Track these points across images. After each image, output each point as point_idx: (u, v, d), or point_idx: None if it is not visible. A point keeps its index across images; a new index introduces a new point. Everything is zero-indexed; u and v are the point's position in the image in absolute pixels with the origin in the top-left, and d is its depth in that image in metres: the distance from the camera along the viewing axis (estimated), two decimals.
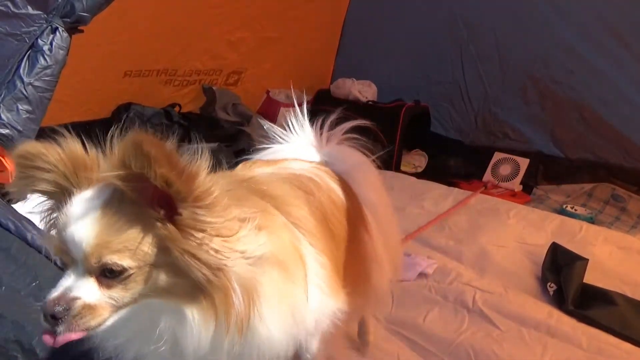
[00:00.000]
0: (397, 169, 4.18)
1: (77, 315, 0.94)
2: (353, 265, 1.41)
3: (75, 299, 0.94)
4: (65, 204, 0.99)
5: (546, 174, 4.02)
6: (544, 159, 4.05)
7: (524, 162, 4.02)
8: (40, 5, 1.90)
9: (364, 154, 1.74)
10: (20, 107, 1.86)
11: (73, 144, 1.02)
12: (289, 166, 1.44)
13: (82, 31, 2.00)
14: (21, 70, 1.86)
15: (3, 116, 1.84)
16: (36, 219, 1.86)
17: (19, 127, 1.87)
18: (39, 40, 1.88)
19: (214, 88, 4.07)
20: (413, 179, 3.83)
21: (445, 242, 2.85)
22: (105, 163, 1.00)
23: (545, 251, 2.60)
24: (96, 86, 3.39)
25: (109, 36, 3.19)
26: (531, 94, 4.10)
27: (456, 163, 4.27)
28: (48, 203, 1.08)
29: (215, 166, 1.04)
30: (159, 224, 0.95)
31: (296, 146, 1.68)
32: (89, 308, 0.95)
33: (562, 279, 2.36)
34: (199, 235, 0.95)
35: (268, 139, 1.70)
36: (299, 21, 4.41)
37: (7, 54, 1.88)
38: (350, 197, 1.50)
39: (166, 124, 3.63)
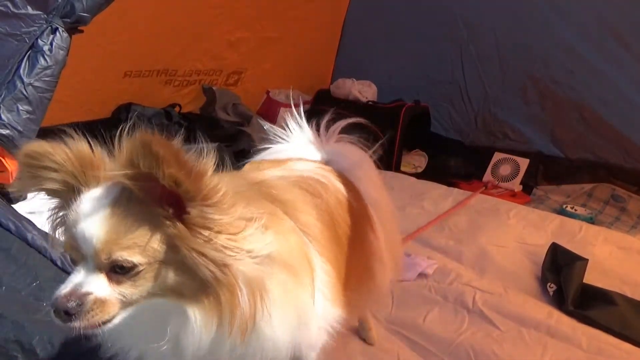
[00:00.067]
0: (397, 169, 4.18)
1: (89, 311, 0.95)
2: (358, 264, 1.42)
3: (87, 294, 0.96)
4: (74, 201, 1.00)
5: (546, 174, 4.02)
6: (544, 159, 4.05)
7: (524, 163, 4.02)
8: (40, 5, 1.90)
9: (364, 150, 1.75)
10: (20, 107, 1.86)
11: (80, 143, 1.03)
12: (295, 167, 1.44)
13: (82, 31, 2.00)
14: (21, 71, 1.86)
15: (3, 116, 1.84)
16: (37, 219, 1.87)
17: (19, 128, 1.87)
18: (39, 41, 1.88)
19: (214, 88, 4.07)
20: (413, 179, 3.83)
21: (445, 242, 2.85)
22: (113, 162, 1.01)
23: (545, 251, 2.60)
24: (96, 86, 3.40)
25: (109, 36, 3.19)
26: (531, 94, 4.10)
27: (456, 163, 4.27)
28: (54, 202, 1.09)
29: (220, 165, 1.04)
30: (167, 222, 0.96)
31: (296, 145, 1.69)
32: (101, 303, 0.96)
33: (562, 279, 2.36)
34: (207, 233, 0.96)
35: (269, 139, 1.71)
36: (299, 21, 4.41)
37: (7, 54, 1.88)
38: (356, 196, 1.51)
39: (166, 124, 3.63)
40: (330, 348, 1.26)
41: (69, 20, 1.91)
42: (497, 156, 4.13)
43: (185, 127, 3.64)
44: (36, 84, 1.88)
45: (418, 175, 4.06)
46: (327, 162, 1.62)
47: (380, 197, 1.70)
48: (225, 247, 0.97)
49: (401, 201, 3.18)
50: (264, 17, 4.16)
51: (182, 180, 0.92)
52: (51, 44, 1.89)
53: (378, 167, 1.79)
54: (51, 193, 1.06)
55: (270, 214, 1.11)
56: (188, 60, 3.90)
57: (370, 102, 4.51)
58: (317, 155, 1.66)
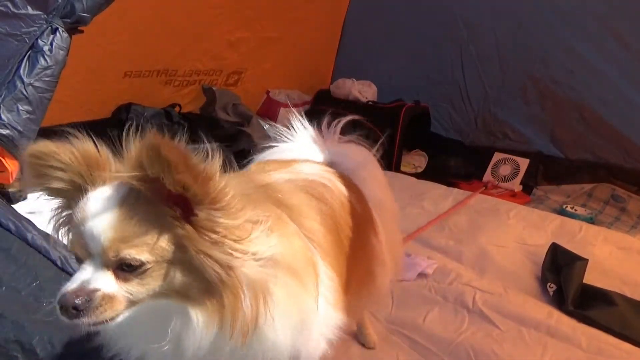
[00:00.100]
0: (397, 169, 4.18)
1: (98, 307, 0.95)
2: (359, 267, 1.42)
3: (95, 290, 0.96)
4: (81, 200, 1.00)
5: (546, 174, 4.02)
6: (544, 159, 4.05)
7: (524, 163, 4.02)
8: (40, 5, 1.90)
9: (368, 150, 1.75)
10: (20, 107, 1.86)
11: (85, 143, 1.04)
12: (301, 170, 1.44)
13: (82, 31, 2.00)
14: (21, 71, 1.86)
15: (3, 117, 1.84)
16: (37, 219, 1.87)
17: (19, 128, 1.87)
18: (39, 41, 1.88)
19: (214, 88, 4.07)
20: (413, 179, 3.83)
21: (445, 242, 2.85)
22: (121, 162, 1.01)
23: (545, 251, 2.60)
24: (96, 86, 3.40)
25: (109, 37, 3.19)
26: (531, 94, 4.10)
27: (456, 163, 4.27)
28: (58, 201, 1.09)
29: (223, 166, 1.04)
30: (176, 223, 0.97)
31: (300, 145, 1.70)
32: (109, 299, 0.96)
33: (562, 279, 2.36)
34: (214, 236, 0.96)
35: (273, 137, 1.72)
36: (299, 21, 4.41)
37: (7, 55, 1.88)
38: (359, 198, 1.52)
39: (166, 124, 3.63)
40: (330, 355, 1.25)
41: (69, 20, 1.91)
42: (497, 156, 4.13)
43: (186, 127, 3.65)
44: (36, 84, 1.88)
45: (418, 175, 4.06)
46: (331, 163, 1.62)
47: (384, 198, 1.70)
48: (232, 250, 0.98)
49: (401, 201, 3.18)
50: (264, 17, 4.16)
51: (190, 185, 0.93)
52: (51, 44, 1.89)
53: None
54: (56, 193, 1.07)
55: (276, 218, 1.11)
56: (188, 61, 3.90)
57: (370, 102, 4.51)
58: (321, 155, 1.66)
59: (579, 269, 2.38)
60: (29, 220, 1.75)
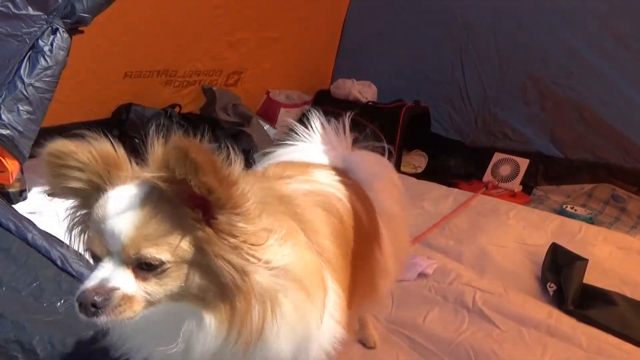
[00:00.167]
0: (397, 169, 4.17)
1: (117, 306, 0.95)
2: (363, 280, 1.43)
3: (115, 289, 0.96)
4: (99, 199, 1.01)
5: (546, 175, 4.02)
6: (544, 159, 4.05)
7: (523, 163, 4.02)
8: (41, 6, 1.90)
9: (386, 159, 1.77)
10: (20, 107, 1.87)
11: (103, 143, 1.04)
12: (317, 179, 1.44)
13: (82, 32, 2.00)
14: (22, 71, 1.86)
15: (4, 117, 1.84)
16: (37, 219, 1.87)
17: (19, 128, 1.87)
18: (40, 41, 1.88)
19: (214, 88, 4.07)
20: (413, 179, 3.83)
21: (445, 242, 2.86)
22: (146, 162, 1.01)
23: (545, 251, 2.60)
24: (96, 87, 3.40)
25: (109, 37, 3.19)
26: (531, 95, 4.10)
27: (456, 163, 4.27)
28: (74, 201, 1.10)
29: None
30: (197, 225, 0.97)
31: (317, 147, 1.70)
32: (127, 299, 0.96)
33: (562, 279, 2.37)
34: (232, 240, 0.97)
35: (290, 135, 1.73)
36: (299, 21, 4.41)
37: (7, 55, 1.89)
38: (369, 211, 1.52)
39: (166, 125, 3.63)
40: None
41: (69, 20, 1.91)
42: (497, 156, 4.13)
43: (186, 127, 3.66)
44: (37, 84, 1.88)
45: (418, 176, 4.06)
46: (345, 170, 1.62)
47: (396, 211, 1.70)
48: (248, 256, 0.98)
49: None
50: (264, 17, 4.16)
51: (215, 188, 0.93)
52: (52, 44, 1.89)
53: None
54: (72, 192, 1.07)
55: (290, 229, 1.12)
56: (188, 61, 3.90)
57: (370, 103, 4.51)
58: (336, 160, 1.67)
59: (579, 269, 2.38)
60: (29, 220, 1.75)
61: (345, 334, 1.24)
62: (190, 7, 3.62)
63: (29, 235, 1.66)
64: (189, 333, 1.03)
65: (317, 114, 1.73)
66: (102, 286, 0.95)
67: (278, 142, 1.77)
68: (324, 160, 1.65)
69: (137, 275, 0.97)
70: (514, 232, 3.01)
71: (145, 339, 1.09)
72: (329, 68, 4.99)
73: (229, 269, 0.97)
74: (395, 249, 1.63)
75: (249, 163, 1.66)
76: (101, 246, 0.98)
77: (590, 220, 3.37)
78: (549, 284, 2.41)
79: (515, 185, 3.98)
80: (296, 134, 1.73)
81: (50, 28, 1.90)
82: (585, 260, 2.42)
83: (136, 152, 1.08)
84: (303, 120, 1.78)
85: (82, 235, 1.11)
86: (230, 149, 1.03)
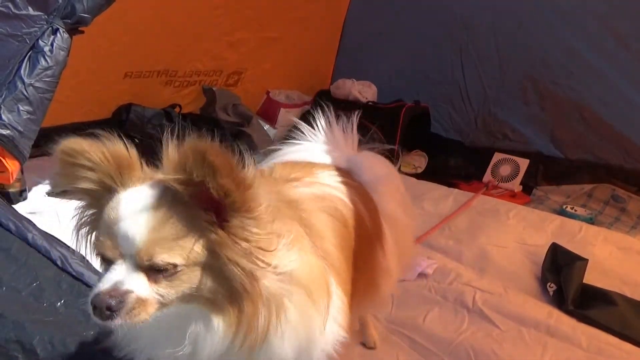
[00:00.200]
0: (397, 169, 4.17)
1: (132, 309, 0.95)
2: (365, 282, 1.44)
3: (129, 292, 0.95)
4: (110, 201, 1.00)
5: (546, 175, 4.02)
6: (544, 159, 4.05)
7: (523, 163, 4.01)
8: (41, 6, 1.90)
9: (390, 162, 1.78)
10: (21, 107, 1.87)
11: (116, 143, 1.03)
12: (322, 180, 1.45)
13: (82, 32, 2.01)
14: (22, 71, 1.86)
15: (4, 117, 1.85)
16: (37, 219, 1.87)
17: (19, 128, 1.88)
18: (40, 41, 1.89)
19: (214, 88, 4.07)
20: (413, 179, 3.83)
21: (445, 242, 2.86)
22: (162, 164, 1.00)
23: (545, 251, 2.60)
24: (97, 87, 3.40)
25: (110, 37, 3.19)
26: (531, 95, 4.10)
27: (456, 164, 4.27)
28: (82, 201, 1.09)
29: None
30: (210, 228, 0.97)
31: (322, 147, 1.71)
32: (141, 302, 0.96)
33: (562, 279, 2.37)
34: (244, 244, 0.97)
35: (296, 133, 1.73)
36: (299, 22, 4.41)
37: (8, 55, 1.89)
38: (372, 212, 1.53)
39: (166, 125, 3.63)
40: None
41: (69, 21, 1.92)
42: (497, 156, 4.13)
43: (186, 127, 3.66)
44: (37, 84, 1.88)
45: (418, 176, 4.06)
46: (349, 170, 1.63)
47: (401, 214, 1.71)
48: (258, 260, 0.98)
49: None
50: (264, 17, 4.16)
51: (232, 191, 0.93)
52: (52, 44, 1.89)
53: None
54: (82, 192, 1.06)
55: (297, 235, 1.12)
56: (188, 61, 3.91)
57: (370, 103, 4.51)
58: (340, 161, 1.67)
59: (579, 269, 2.38)
60: (29, 221, 1.75)
61: (347, 336, 1.25)
62: (190, 7, 3.63)
63: (29, 236, 1.66)
64: (196, 335, 1.03)
65: (327, 110, 1.73)
66: (116, 289, 0.95)
67: (283, 140, 1.77)
68: (328, 160, 1.65)
69: (149, 278, 0.97)
70: (514, 232, 3.01)
71: (151, 340, 1.08)
72: (329, 68, 4.99)
73: (239, 272, 0.97)
74: (398, 250, 1.64)
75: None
76: (114, 249, 0.98)
77: (590, 221, 3.37)
78: (549, 284, 2.41)
79: (515, 185, 3.97)
80: (301, 132, 1.73)
81: (50, 28, 1.90)
82: (585, 261, 2.42)
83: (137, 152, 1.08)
84: (308, 118, 1.78)
85: (89, 235, 1.10)
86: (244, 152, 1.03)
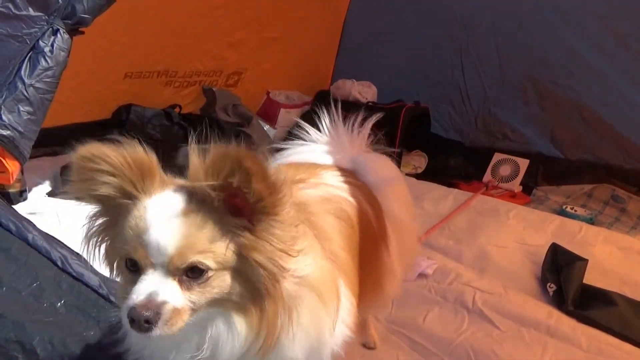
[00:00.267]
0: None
1: (168, 320, 0.95)
2: (371, 281, 1.45)
3: (164, 303, 0.95)
4: (134, 208, 0.99)
5: (546, 175, 4.02)
6: (544, 159, 4.05)
7: (523, 163, 4.02)
8: (41, 6, 1.90)
9: (394, 164, 1.79)
10: (21, 108, 1.87)
11: (137, 148, 1.02)
12: (327, 181, 1.45)
13: (83, 33, 2.01)
14: (22, 72, 1.87)
15: (4, 117, 1.85)
16: (37, 220, 1.87)
17: (20, 129, 1.88)
18: (40, 42, 1.89)
19: (214, 89, 4.07)
20: (413, 179, 3.83)
21: (445, 242, 2.86)
22: (193, 167, 0.99)
23: (545, 252, 2.60)
24: (97, 87, 3.40)
25: (110, 38, 3.19)
26: (531, 95, 4.10)
27: (456, 164, 4.27)
28: (95, 209, 1.07)
29: None
30: (239, 232, 0.98)
31: (325, 148, 1.71)
32: (177, 312, 0.96)
33: (562, 280, 2.37)
34: (269, 247, 0.98)
35: (300, 134, 1.73)
36: (299, 21, 4.41)
37: (8, 56, 1.89)
38: (377, 213, 1.54)
39: (166, 125, 3.63)
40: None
41: (70, 21, 1.92)
42: (497, 157, 4.13)
43: (186, 127, 3.66)
44: (37, 85, 1.89)
45: (418, 176, 4.06)
46: (354, 171, 1.64)
47: (405, 215, 1.72)
48: (281, 262, 0.99)
49: None
50: (264, 18, 4.16)
51: (265, 196, 0.95)
52: (52, 45, 1.89)
53: None
54: (98, 199, 1.04)
55: (310, 238, 1.13)
56: (188, 61, 3.91)
57: (370, 103, 4.51)
58: (344, 161, 1.67)
59: (579, 269, 2.39)
60: (30, 221, 1.75)
61: (352, 335, 1.26)
62: (190, 8, 3.63)
63: (29, 236, 1.66)
64: (217, 338, 1.03)
65: (332, 110, 1.73)
66: (151, 301, 0.95)
67: (284, 141, 1.77)
68: (332, 160, 1.66)
69: (182, 285, 0.97)
70: (514, 232, 3.01)
71: (168, 346, 1.07)
72: (329, 68, 4.99)
73: (264, 275, 0.98)
74: (401, 250, 1.64)
75: None
76: (144, 257, 0.96)
77: (590, 221, 3.37)
78: (549, 284, 2.41)
79: (515, 185, 3.98)
80: (305, 132, 1.74)
81: (50, 29, 1.90)
82: (585, 261, 2.42)
83: None
84: (309, 118, 1.78)
85: (101, 244, 1.09)
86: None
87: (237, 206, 0.98)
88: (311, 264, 1.08)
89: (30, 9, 1.90)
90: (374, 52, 4.68)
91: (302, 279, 1.06)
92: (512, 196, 3.86)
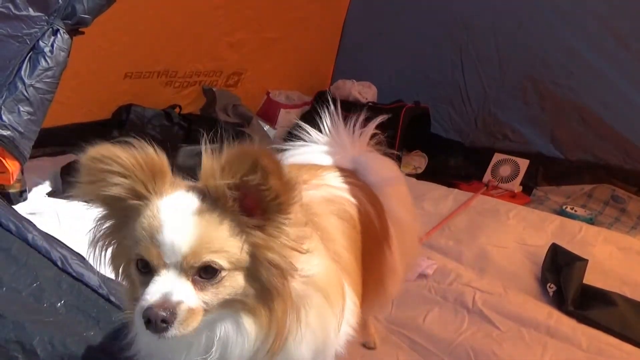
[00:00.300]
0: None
1: (184, 320, 0.94)
2: (374, 280, 1.45)
3: (180, 302, 0.95)
4: (146, 209, 0.98)
5: (546, 175, 4.02)
6: (544, 160, 4.05)
7: (523, 163, 4.02)
8: (42, 7, 1.91)
9: (395, 164, 1.79)
10: (21, 108, 1.87)
11: (148, 148, 1.01)
12: (330, 182, 1.46)
13: (83, 33, 2.01)
14: (22, 72, 1.87)
15: (4, 118, 1.85)
16: (37, 220, 1.87)
17: (20, 129, 1.88)
18: (40, 42, 1.89)
19: (214, 89, 4.08)
20: (413, 180, 3.83)
21: (445, 242, 2.86)
22: (206, 168, 0.99)
23: (545, 252, 2.60)
24: (97, 87, 3.40)
25: (110, 38, 3.20)
26: (531, 95, 4.10)
27: (456, 164, 4.27)
28: (102, 211, 1.06)
29: None
30: (251, 231, 0.98)
31: (326, 148, 1.71)
32: (191, 312, 0.96)
33: (562, 280, 2.37)
34: (280, 244, 0.98)
35: (302, 135, 1.74)
36: (299, 22, 4.41)
37: (8, 56, 1.89)
38: (379, 212, 1.54)
39: (166, 126, 3.63)
40: None
41: (70, 21, 1.92)
42: (497, 157, 4.13)
43: (186, 128, 3.66)
44: (37, 85, 1.89)
45: (418, 176, 4.06)
46: (355, 170, 1.64)
47: (406, 215, 1.73)
48: (291, 261, 0.99)
49: None
50: (264, 18, 4.16)
51: (281, 194, 0.95)
52: (52, 45, 1.90)
53: None
54: (106, 201, 1.03)
55: (316, 239, 1.13)
56: (188, 62, 3.91)
57: (370, 103, 4.51)
58: (345, 161, 1.68)
59: (579, 270, 2.38)
60: (30, 221, 1.75)
61: (355, 334, 1.26)
62: (190, 8, 3.63)
63: (29, 236, 1.66)
64: (226, 340, 1.03)
65: (332, 110, 1.73)
66: (167, 301, 0.94)
67: (284, 141, 1.77)
68: (333, 161, 1.66)
69: (195, 286, 0.97)
70: (514, 232, 3.01)
71: (178, 349, 1.06)
72: (329, 68, 4.99)
73: (275, 274, 0.98)
74: (403, 250, 1.65)
75: None
76: (157, 257, 0.96)
77: (590, 221, 3.37)
78: (548, 284, 2.41)
79: (515, 185, 3.98)
80: (306, 133, 1.74)
81: (50, 29, 1.90)
82: (585, 261, 2.42)
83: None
84: (310, 118, 1.78)
85: (107, 248, 1.08)
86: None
87: (248, 206, 0.98)
88: (318, 264, 1.08)
89: (30, 9, 1.90)
90: (374, 52, 4.68)
91: (309, 279, 1.06)
92: (512, 196, 3.86)
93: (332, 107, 1.72)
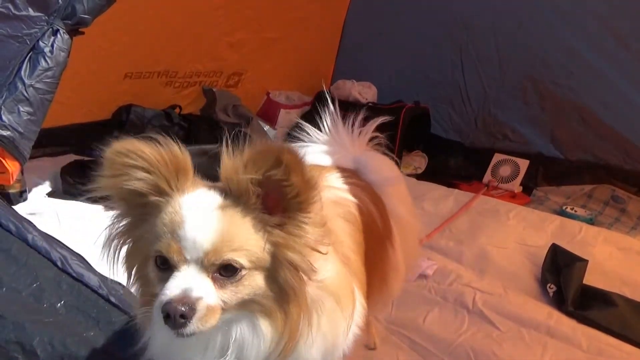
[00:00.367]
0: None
1: (203, 317, 0.94)
2: (377, 278, 1.45)
3: (199, 298, 0.94)
4: (168, 205, 0.98)
5: (546, 175, 4.02)
6: (544, 160, 4.05)
7: (523, 164, 4.02)
8: (41, 7, 1.91)
9: (394, 160, 1.79)
10: (21, 108, 1.87)
11: (172, 145, 1.01)
12: (333, 183, 1.45)
13: (83, 33, 2.01)
14: (22, 72, 1.87)
15: (4, 118, 1.85)
16: (37, 220, 1.87)
17: (20, 129, 1.88)
18: (40, 42, 1.89)
19: (214, 89, 4.08)
20: (413, 180, 3.83)
21: (446, 243, 2.86)
22: (228, 165, 0.99)
23: (545, 252, 2.60)
24: (97, 88, 3.40)
25: (110, 38, 3.20)
26: (531, 95, 4.10)
27: (456, 164, 4.28)
28: (120, 207, 1.05)
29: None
30: (272, 230, 0.98)
31: (327, 148, 1.71)
32: (210, 309, 0.95)
33: (562, 280, 2.37)
34: (300, 244, 0.98)
35: (302, 136, 1.73)
36: (299, 22, 4.41)
37: (8, 56, 1.89)
38: (381, 212, 1.54)
39: (166, 126, 3.63)
40: None
41: (70, 22, 1.92)
42: (497, 157, 4.13)
43: (186, 128, 3.66)
44: (37, 85, 1.89)
45: (418, 177, 4.06)
46: (356, 170, 1.64)
47: (407, 214, 1.73)
48: (310, 262, 0.99)
49: None
50: (264, 18, 4.16)
51: (303, 191, 0.95)
52: (52, 45, 1.89)
53: None
54: (125, 197, 1.02)
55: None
56: (188, 62, 3.91)
57: (370, 104, 4.51)
58: (346, 161, 1.68)
59: (579, 270, 2.38)
60: (30, 222, 1.75)
61: (361, 334, 1.26)
62: (190, 8, 3.63)
63: (29, 236, 1.66)
64: (242, 342, 1.02)
65: (333, 109, 1.73)
66: (187, 296, 0.93)
67: (288, 142, 1.77)
68: (334, 161, 1.66)
69: (215, 283, 0.96)
70: (514, 232, 3.01)
71: (193, 351, 1.05)
72: (329, 68, 4.99)
73: (294, 274, 0.98)
74: (404, 249, 1.65)
75: None
76: (177, 253, 0.95)
77: (590, 221, 3.37)
78: (548, 284, 2.41)
79: (515, 186, 3.98)
80: (307, 133, 1.74)
81: (50, 29, 1.90)
82: (585, 261, 2.42)
83: None
84: (310, 118, 1.78)
85: (122, 247, 1.07)
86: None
87: (269, 204, 0.98)
88: (331, 269, 1.08)
89: (30, 9, 1.90)
90: (374, 52, 4.68)
91: (322, 284, 1.06)
92: (512, 196, 3.86)
93: (331, 106, 1.72)
